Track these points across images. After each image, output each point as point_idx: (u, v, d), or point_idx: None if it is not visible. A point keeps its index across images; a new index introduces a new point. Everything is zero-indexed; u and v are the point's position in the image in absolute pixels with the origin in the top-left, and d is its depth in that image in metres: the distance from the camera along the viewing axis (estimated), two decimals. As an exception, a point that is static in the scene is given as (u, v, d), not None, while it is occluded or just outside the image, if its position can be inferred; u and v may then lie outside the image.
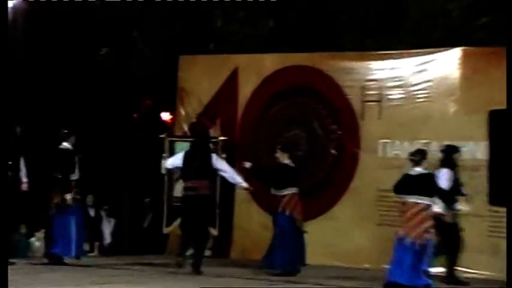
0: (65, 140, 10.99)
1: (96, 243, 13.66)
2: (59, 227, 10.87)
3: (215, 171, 10.59)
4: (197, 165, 10.40)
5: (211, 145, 11.16)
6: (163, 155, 12.14)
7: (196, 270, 10.26)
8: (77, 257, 10.98)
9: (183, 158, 10.57)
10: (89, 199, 13.92)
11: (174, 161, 10.84)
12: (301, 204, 10.79)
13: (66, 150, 10.97)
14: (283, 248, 10.50)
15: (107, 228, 14.10)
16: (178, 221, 12.01)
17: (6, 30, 8.71)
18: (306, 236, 11.11)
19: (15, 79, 13.90)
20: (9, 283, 7.81)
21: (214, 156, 10.66)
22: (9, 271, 7.86)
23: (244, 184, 10.80)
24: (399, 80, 12.18)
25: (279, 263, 10.50)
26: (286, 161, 10.81)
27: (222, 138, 12.63)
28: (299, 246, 10.78)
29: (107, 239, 14.14)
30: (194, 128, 13.02)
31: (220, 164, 10.65)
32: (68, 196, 10.76)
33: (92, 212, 13.98)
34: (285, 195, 10.66)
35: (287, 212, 10.66)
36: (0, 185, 8.19)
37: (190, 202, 10.44)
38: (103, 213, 14.40)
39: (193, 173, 10.38)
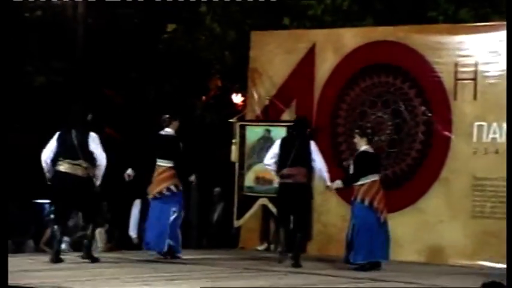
0: (167, 126, 10.65)
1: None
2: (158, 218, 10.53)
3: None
4: (295, 152, 10.33)
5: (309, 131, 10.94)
6: (233, 141, 11.88)
7: (297, 263, 10.13)
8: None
9: (280, 145, 10.47)
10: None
11: (271, 155, 10.56)
12: (383, 193, 10.33)
13: (171, 136, 10.66)
14: (361, 241, 10.16)
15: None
16: (250, 213, 11.95)
17: (6, 31, 8.28)
18: (391, 229, 10.48)
19: (78, 60, 13.74)
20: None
21: (313, 144, 10.50)
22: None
23: (329, 183, 10.53)
24: (497, 55, 11.30)
25: (356, 257, 10.17)
26: (365, 146, 10.41)
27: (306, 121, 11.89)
28: (380, 238, 10.26)
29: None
30: (267, 112, 12.49)
31: (316, 153, 10.47)
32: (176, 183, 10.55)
33: None
34: (363, 184, 10.24)
35: (366, 202, 10.24)
36: (0, 185, 7.58)
37: (287, 190, 10.35)
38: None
39: (290, 160, 10.30)
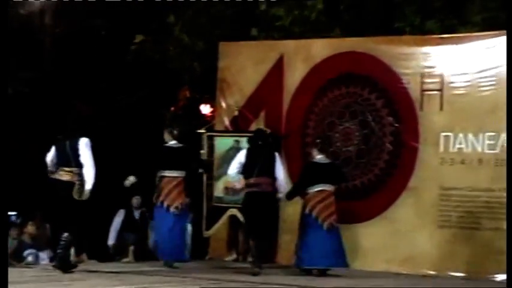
0: (175, 138, 10.89)
1: (131, 248, 12.79)
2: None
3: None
4: (261, 162, 10.46)
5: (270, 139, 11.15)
6: (202, 151, 11.89)
7: (258, 266, 10.28)
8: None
9: (246, 155, 10.57)
10: (135, 201, 13.28)
11: (236, 165, 10.67)
12: (331, 202, 10.65)
13: (182, 147, 10.93)
14: (304, 247, 10.54)
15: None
16: (219, 224, 11.97)
17: (6, 31, 8.20)
18: (358, 239, 10.91)
19: (45, 70, 13.61)
20: None
21: (277, 155, 10.71)
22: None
23: (281, 196, 10.68)
24: (463, 66, 11.35)
25: (300, 263, 10.56)
26: (318, 156, 10.78)
27: (267, 131, 11.88)
28: (325, 246, 10.51)
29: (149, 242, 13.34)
30: (236, 122, 12.48)
31: (279, 164, 10.64)
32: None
33: (136, 214, 13.36)
34: (308, 193, 10.65)
35: (307, 210, 10.64)
36: (0, 186, 7.52)
37: (254, 199, 10.45)
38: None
39: (257, 170, 10.44)
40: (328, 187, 10.63)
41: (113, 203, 13.11)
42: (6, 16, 8.34)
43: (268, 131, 11.99)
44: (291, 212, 11.89)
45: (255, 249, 10.48)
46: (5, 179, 7.60)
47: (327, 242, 10.51)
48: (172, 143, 10.91)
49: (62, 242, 9.78)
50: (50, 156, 10.03)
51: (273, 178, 10.49)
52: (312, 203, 10.58)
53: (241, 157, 10.60)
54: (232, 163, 10.73)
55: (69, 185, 9.75)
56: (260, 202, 10.39)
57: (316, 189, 10.57)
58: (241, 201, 10.92)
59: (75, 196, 9.73)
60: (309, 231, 10.55)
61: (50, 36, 14.16)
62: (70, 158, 9.81)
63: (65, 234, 9.78)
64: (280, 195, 10.64)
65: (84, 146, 9.82)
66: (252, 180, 10.44)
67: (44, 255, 12.31)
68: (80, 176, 9.77)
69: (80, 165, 9.80)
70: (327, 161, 10.81)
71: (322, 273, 10.49)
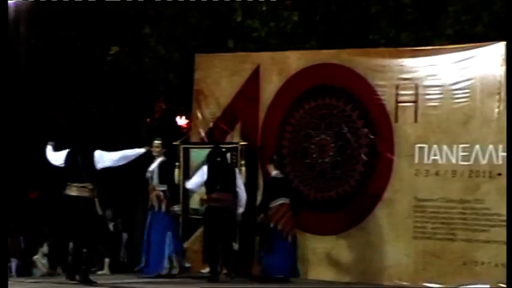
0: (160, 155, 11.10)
1: (107, 260, 12.73)
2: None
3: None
4: (223, 178, 10.83)
5: (228, 155, 11.47)
6: (177, 163, 11.86)
7: (214, 278, 10.65)
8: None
9: (208, 170, 10.89)
10: (108, 213, 13.29)
11: (197, 180, 10.98)
12: (290, 214, 11.14)
13: (166, 161, 11.18)
14: (268, 258, 11.02)
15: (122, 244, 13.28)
16: (195, 235, 11.95)
17: (6, 30, 8.13)
18: (334, 250, 11.11)
19: (20, 81, 13.52)
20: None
21: (237, 171, 11.18)
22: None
23: (241, 210, 11.01)
24: (437, 79, 11.37)
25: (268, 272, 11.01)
26: (274, 172, 11.32)
27: (243, 143, 12.03)
28: (285, 256, 11.02)
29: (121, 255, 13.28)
30: (212, 134, 12.44)
31: (239, 180, 11.05)
32: (176, 207, 11.12)
33: (110, 227, 13.36)
34: (271, 207, 11.09)
35: (271, 224, 11.03)
36: (1, 187, 7.52)
37: (214, 214, 10.79)
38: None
39: (220, 185, 10.82)
40: (287, 200, 11.17)
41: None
42: (6, 16, 8.23)
43: (244, 143, 12.03)
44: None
45: (225, 263, 10.88)
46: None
47: (292, 252, 11.04)
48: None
49: (78, 256, 9.92)
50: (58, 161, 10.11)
51: (234, 193, 10.90)
52: (276, 217, 11.04)
53: (203, 172, 10.93)
54: (194, 177, 11.07)
55: (86, 200, 9.82)
56: (220, 217, 10.74)
57: (277, 203, 11.08)
58: (202, 214, 11.19)
59: (99, 212, 9.90)
60: (275, 243, 10.95)
61: (25, 46, 14.06)
62: (82, 173, 9.86)
63: (84, 250, 9.92)
64: (241, 209, 10.98)
65: (103, 157, 10.01)
66: (214, 195, 10.80)
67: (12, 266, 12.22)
68: (93, 191, 9.86)
69: (93, 180, 9.87)
70: (281, 176, 11.34)
71: (286, 281, 10.91)
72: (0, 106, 12.05)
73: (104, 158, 10.04)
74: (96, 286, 9.81)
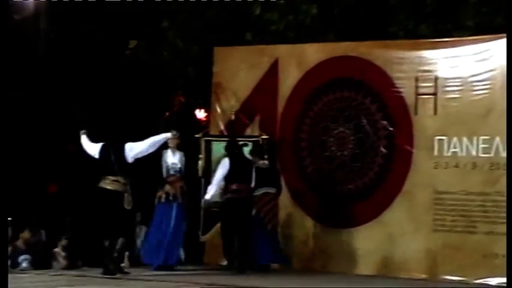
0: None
1: (127, 253, 12.72)
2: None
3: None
4: (240, 169, 11.10)
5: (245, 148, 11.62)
6: (200, 156, 12.09)
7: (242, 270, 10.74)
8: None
9: (230, 164, 11.10)
10: None
11: (221, 171, 11.20)
12: (274, 203, 11.48)
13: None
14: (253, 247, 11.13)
15: (138, 236, 13.22)
16: (215, 228, 11.98)
17: (6, 30, 8.20)
18: (353, 243, 11.18)
19: (39, 76, 13.55)
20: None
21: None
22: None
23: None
24: (457, 71, 11.31)
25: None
26: (259, 162, 11.48)
27: (264, 136, 12.08)
28: (265, 245, 11.24)
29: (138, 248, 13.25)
30: (231, 127, 12.45)
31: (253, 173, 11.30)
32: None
33: None
34: (255, 196, 11.34)
35: (253, 212, 11.25)
36: (0, 185, 7.58)
37: (232, 205, 11.00)
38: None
39: (237, 177, 11.07)
40: (272, 190, 11.41)
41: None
42: (7, 16, 8.29)
43: (264, 136, 12.03)
44: (284, 216, 11.92)
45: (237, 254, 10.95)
46: (3, 183, 7.62)
47: (270, 241, 11.29)
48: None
49: (112, 249, 10.21)
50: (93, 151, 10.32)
51: (251, 185, 11.14)
52: (259, 205, 11.28)
53: (225, 164, 11.12)
54: (218, 172, 11.18)
55: (117, 194, 10.08)
56: (238, 208, 10.98)
57: (261, 192, 11.31)
58: (221, 206, 11.31)
59: (126, 206, 10.11)
60: (255, 231, 11.09)
61: (44, 41, 14.06)
62: (114, 167, 10.05)
63: (119, 241, 10.25)
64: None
65: (134, 147, 10.26)
66: (233, 187, 11.04)
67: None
68: (125, 185, 10.11)
69: (125, 174, 10.09)
70: (268, 166, 11.53)
71: (264, 269, 11.12)
72: (19, 101, 12.15)
73: (134, 149, 10.30)
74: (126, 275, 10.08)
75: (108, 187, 10.11)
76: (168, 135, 10.71)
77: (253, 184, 11.20)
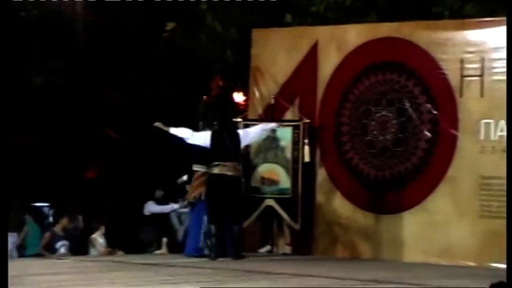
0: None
1: (165, 240, 12.68)
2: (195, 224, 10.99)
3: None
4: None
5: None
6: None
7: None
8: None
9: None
10: (158, 194, 13.28)
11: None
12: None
13: None
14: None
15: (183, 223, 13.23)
16: (255, 215, 11.78)
17: (6, 30, 8.16)
18: (395, 230, 10.97)
19: (77, 60, 13.55)
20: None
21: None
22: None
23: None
24: (504, 51, 10.94)
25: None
26: None
27: (306, 121, 11.85)
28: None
29: (180, 235, 13.22)
30: (269, 111, 12.23)
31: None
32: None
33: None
34: None
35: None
36: (0, 183, 7.49)
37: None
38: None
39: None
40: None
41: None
42: (7, 16, 8.23)
43: (306, 120, 11.83)
44: (323, 201, 11.73)
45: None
46: (6, 177, 7.51)
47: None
48: None
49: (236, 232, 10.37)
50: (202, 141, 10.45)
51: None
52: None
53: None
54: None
55: (234, 179, 10.33)
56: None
57: None
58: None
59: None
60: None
61: (82, 25, 14.04)
62: (229, 152, 10.30)
63: (235, 227, 10.43)
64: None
65: (246, 134, 10.60)
66: None
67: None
68: (240, 170, 10.44)
69: (239, 159, 10.35)
70: None
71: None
72: (57, 86, 12.10)
73: (249, 135, 10.68)
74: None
75: (229, 173, 10.31)
76: (275, 124, 11.05)
77: None
